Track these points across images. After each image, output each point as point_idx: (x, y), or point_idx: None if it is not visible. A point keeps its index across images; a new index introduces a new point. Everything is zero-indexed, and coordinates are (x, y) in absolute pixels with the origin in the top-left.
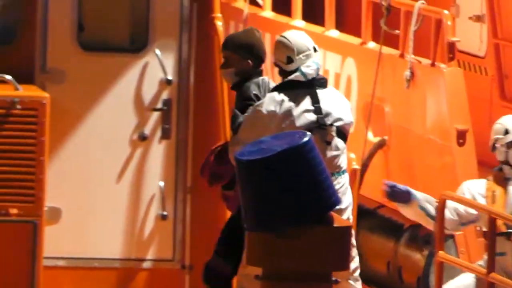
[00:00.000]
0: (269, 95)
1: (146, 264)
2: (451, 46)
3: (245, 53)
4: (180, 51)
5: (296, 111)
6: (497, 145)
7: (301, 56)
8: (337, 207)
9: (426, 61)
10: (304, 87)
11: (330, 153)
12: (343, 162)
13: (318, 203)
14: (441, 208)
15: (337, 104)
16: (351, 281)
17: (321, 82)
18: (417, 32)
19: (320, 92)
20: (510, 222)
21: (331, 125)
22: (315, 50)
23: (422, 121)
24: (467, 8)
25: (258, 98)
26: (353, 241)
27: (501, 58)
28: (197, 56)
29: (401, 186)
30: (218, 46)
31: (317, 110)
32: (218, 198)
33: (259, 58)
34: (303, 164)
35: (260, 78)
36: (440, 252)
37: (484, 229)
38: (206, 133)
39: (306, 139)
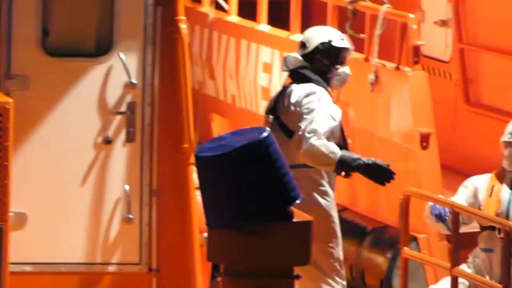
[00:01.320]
0: None
1: (112, 268)
2: (416, 50)
3: None
4: (145, 55)
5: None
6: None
7: None
8: None
9: (391, 65)
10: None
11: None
12: (293, 156)
13: (278, 198)
14: (405, 204)
15: (287, 100)
16: (329, 280)
17: (297, 76)
18: (382, 36)
19: (294, 86)
20: (472, 216)
21: (267, 114)
22: (302, 45)
23: (386, 124)
24: (433, 13)
25: None
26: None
27: (465, 63)
28: (162, 59)
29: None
30: (182, 49)
31: (274, 100)
32: (184, 200)
33: None
34: (262, 159)
35: None
36: (405, 248)
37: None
38: (171, 135)
39: (265, 134)
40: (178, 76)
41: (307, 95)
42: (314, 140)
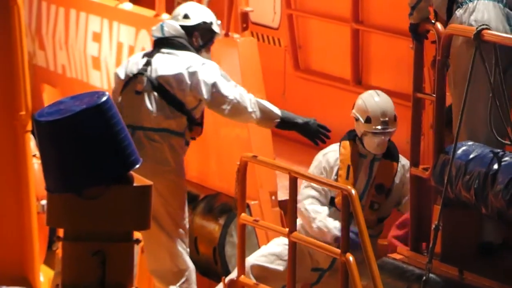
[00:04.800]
0: None
1: None
2: (245, 16)
3: None
4: None
5: (131, 60)
6: (358, 122)
7: None
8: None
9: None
10: (156, 45)
11: (145, 107)
12: (160, 120)
13: (117, 163)
14: (242, 170)
15: (169, 63)
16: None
17: (168, 42)
18: (211, 3)
19: (164, 50)
20: (314, 182)
21: (142, 74)
22: (184, 16)
23: None
24: None
25: None
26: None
27: (294, 29)
28: None
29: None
30: (18, 13)
31: (146, 62)
32: (21, 168)
33: None
34: (101, 123)
35: None
36: (242, 214)
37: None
38: (6, 103)
39: (104, 98)
40: (14, 42)
41: (204, 63)
42: (255, 98)
